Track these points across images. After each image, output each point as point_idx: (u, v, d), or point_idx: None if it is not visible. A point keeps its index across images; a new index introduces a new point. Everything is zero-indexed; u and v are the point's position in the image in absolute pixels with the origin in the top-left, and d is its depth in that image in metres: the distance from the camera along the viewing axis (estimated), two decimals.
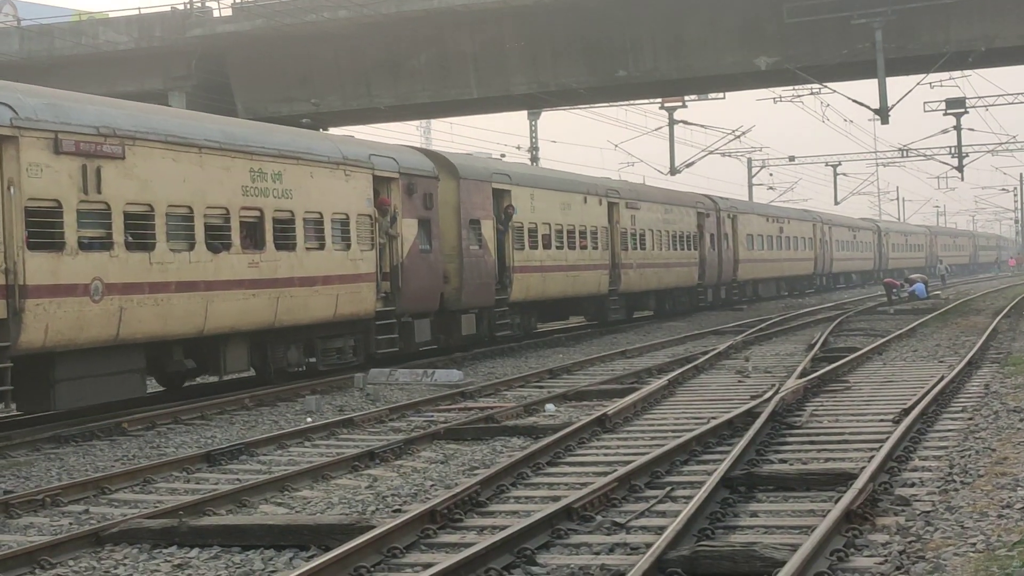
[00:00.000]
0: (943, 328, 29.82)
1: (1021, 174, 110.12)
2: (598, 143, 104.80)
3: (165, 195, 16.86)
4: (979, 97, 56.66)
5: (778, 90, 51.08)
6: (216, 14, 38.38)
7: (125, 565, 8.56)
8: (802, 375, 18.07)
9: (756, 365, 21.48)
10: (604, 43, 36.59)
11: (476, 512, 9.79)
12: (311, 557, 8.45)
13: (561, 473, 11.58)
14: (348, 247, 21.03)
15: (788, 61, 35.65)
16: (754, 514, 9.38)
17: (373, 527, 8.68)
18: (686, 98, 52.61)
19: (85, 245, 15.52)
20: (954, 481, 10.15)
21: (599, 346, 28.25)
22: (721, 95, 49.62)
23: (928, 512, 9.04)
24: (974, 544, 7.92)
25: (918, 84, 39.31)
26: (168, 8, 38.40)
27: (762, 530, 8.83)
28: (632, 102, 48.75)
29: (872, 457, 10.90)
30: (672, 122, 56.33)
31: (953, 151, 62.18)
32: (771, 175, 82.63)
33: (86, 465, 13.12)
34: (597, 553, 8.35)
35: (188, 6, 38.15)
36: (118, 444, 14.66)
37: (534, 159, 52.28)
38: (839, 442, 12.59)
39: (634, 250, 35.61)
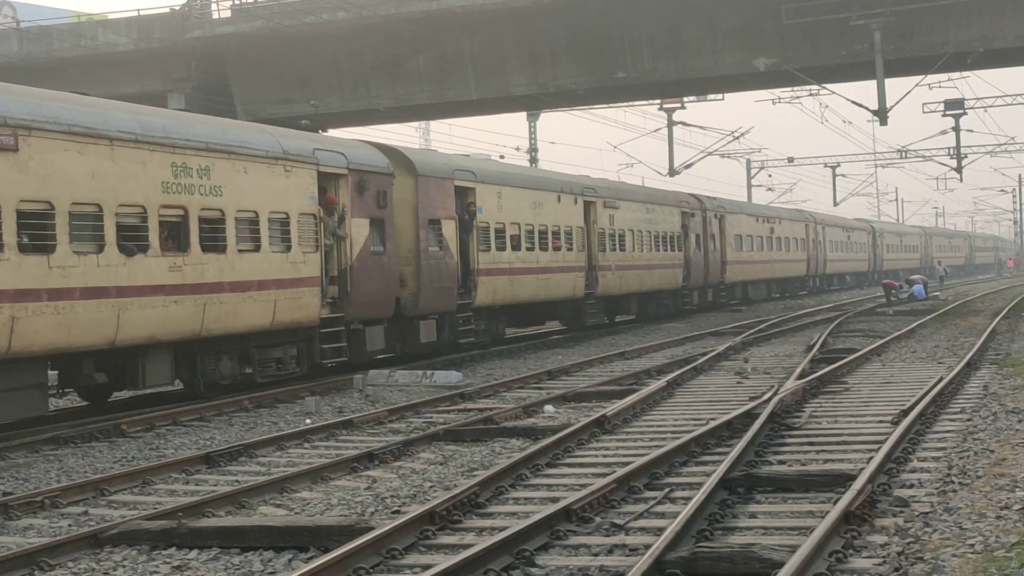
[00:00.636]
0: (942, 329, 29.83)
1: (1020, 175, 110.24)
2: (597, 144, 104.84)
3: (68, 192, 15.25)
4: (978, 98, 56.72)
5: (777, 91, 51.10)
6: (215, 15, 38.40)
7: (124, 567, 8.57)
8: (801, 376, 18.08)
9: (755, 366, 21.48)
10: (603, 44, 36.62)
11: (475, 513, 9.79)
12: (310, 558, 8.45)
13: (560, 474, 11.58)
14: (288, 249, 19.50)
15: (787, 62, 35.68)
16: (753, 515, 9.39)
17: (372, 528, 8.68)
18: (685, 99, 52.67)
19: None
20: (952, 482, 10.16)
21: (598, 347, 28.25)
22: (720, 96, 49.69)
23: (927, 513, 9.05)
24: (972, 545, 7.93)
25: (917, 85, 39.37)
26: (167, 10, 38.43)
27: (761, 531, 8.84)
28: (631, 103, 48.78)
29: (871, 458, 10.90)
30: (671, 123, 56.38)
31: (952, 152, 62.21)
32: (770, 176, 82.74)
33: (85, 467, 13.12)
34: (596, 554, 8.35)
35: (187, 8, 38.16)
36: (117, 445, 14.66)
37: (533, 160, 52.31)
38: (838, 443, 12.60)
39: (613, 251, 34.20)
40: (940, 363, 20.75)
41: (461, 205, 25.71)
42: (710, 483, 9.80)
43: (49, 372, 16.21)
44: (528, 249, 28.67)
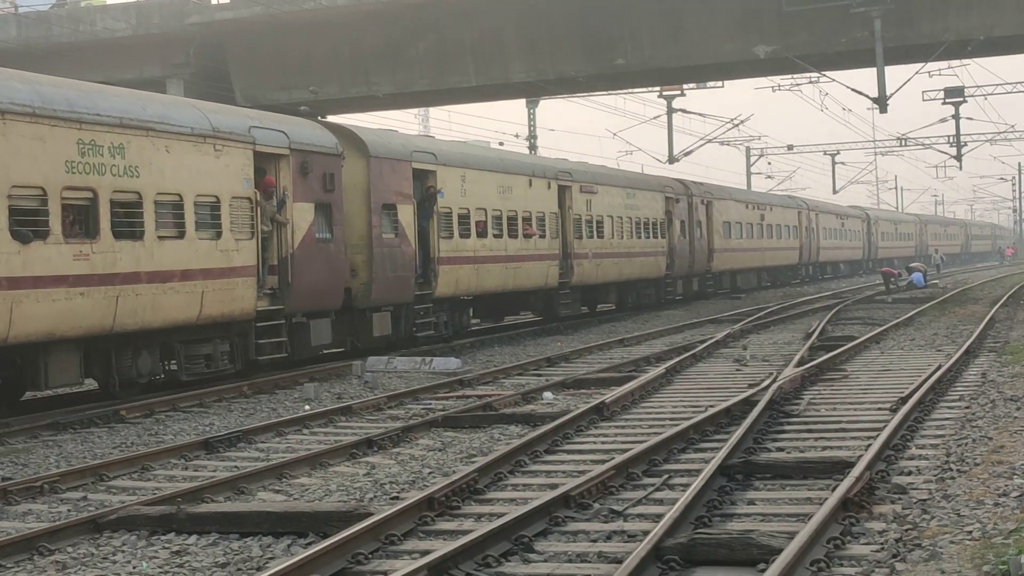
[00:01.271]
0: (941, 317, 29.85)
1: (1020, 164, 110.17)
2: (597, 132, 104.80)
3: None
4: (978, 86, 56.73)
5: (777, 79, 51.05)
6: (214, 1, 38.32)
7: (123, 551, 8.58)
8: (800, 364, 18.09)
9: (754, 354, 21.50)
10: (602, 31, 36.54)
11: (474, 500, 9.81)
12: (309, 544, 8.47)
13: (559, 461, 11.60)
14: (218, 236, 17.89)
15: (787, 50, 35.60)
16: (751, 502, 9.40)
17: (371, 514, 8.70)
18: (684, 86, 52.59)
19: None
20: (951, 469, 10.17)
21: (597, 334, 28.25)
22: (720, 84, 49.62)
23: (925, 500, 9.06)
24: (970, 532, 7.94)
25: (917, 73, 39.32)
26: None
27: (759, 518, 8.85)
28: (630, 90, 48.71)
29: (869, 445, 10.92)
30: (671, 111, 56.33)
31: (952, 140, 62.18)
32: (769, 164, 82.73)
33: (84, 452, 13.14)
34: (594, 541, 8.37)
35: None
36: (116, 431, 14.67)
37: (532, 147, 52.25)
38: (836, 430, 12.61)
39: (589, 238, 32.60)
40: (939, 351, 20.77)
41: (420, 189, 24.31)
42: (709, 470, 9.81)
43: None
44: (495, 236, 27.20)
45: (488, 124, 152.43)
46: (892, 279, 45.36)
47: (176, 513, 9.22)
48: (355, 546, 8.02)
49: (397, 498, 9.97)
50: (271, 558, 8.28)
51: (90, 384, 18.04)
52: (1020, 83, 56.54)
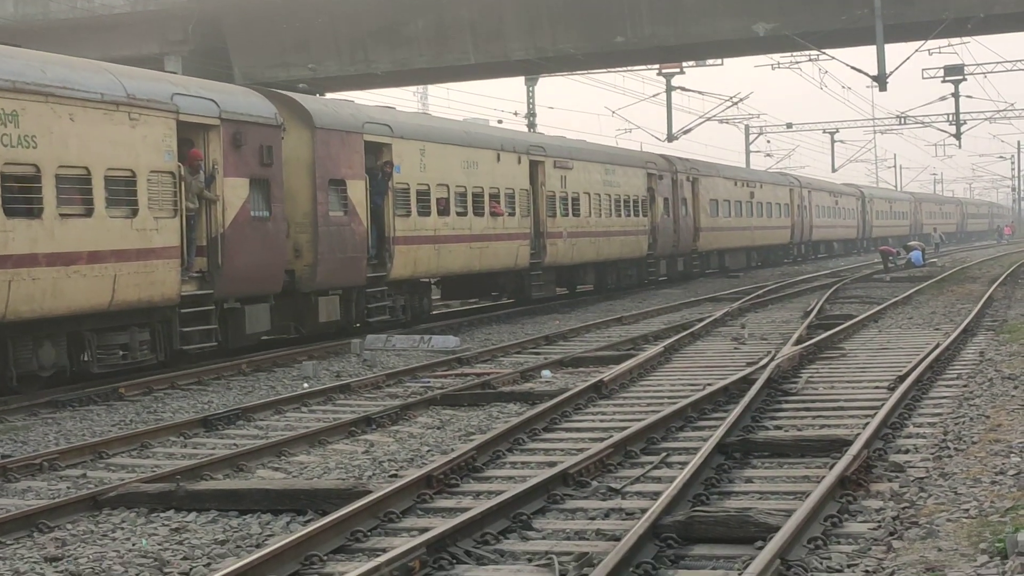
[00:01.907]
0: (939, 296, 29.87)
1: (1019, 142, 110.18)
2: (596, 109, 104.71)
3: None
4: (977, 64, 56.64)
5: (776, 57, 50.95)
6: None
7: (123, 529, 8.61)
8: (798, 342, 18.11)
9: (752, 332, 21.52)
10: (602, 9, 36.41)
11: (472, 477, 9.83)
12: (308, 521, 8.49)
13: (557, 439, 11.62)
14: (134, 213, 16.20)
15: (786, 27, 35.49)
16: (749, 480, 9.43)
17: (370, 492, 8.72)
18: (684, 64, 52.48)
19: None
20: (948, 448, 10.20)
21: (595, 313, 28.27)
22: (719, 61, 49.50)
23: (922, 478, 9.09)
24: (967, 510, 7.97)
25: (916, 51, 39.20)
26: None
27: (757, 496, 8.88)
28: (630, 68, 48.61)
29: (867, 424, 10.95)
30: (670, 88, 56.25)
31: (951, 118, 62.17)
32: (768, 142, 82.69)
33: (83, 430, 13.16)
34: (593, 518, 8.40)
35: None
36: (115, 409, 14.69)
37: (531, 125, 52.16)
38: (834, 409, 12.64)
39: (564, 216, 30.91)
40: (937, 329, 20.79)
41: (374, 163, 22.64)
42: (706, 448, 9.83)
43: None
44: (459, 214, 25.54)
45: (487, 102, 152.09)
46: (890, 258, 45.37)
47: (175, 490, 9.24)
48: (354, 523, 8.04)
49: (396, 476, 10.00)
50: (270, 535, 8.31)
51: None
52: (1020, 61, 56.45)
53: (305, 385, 16.31)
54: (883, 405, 11.87)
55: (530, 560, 7.38)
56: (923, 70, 55.28)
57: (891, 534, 7.57)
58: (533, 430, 11.77)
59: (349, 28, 38.08)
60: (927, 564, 6.79)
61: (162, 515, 8.95)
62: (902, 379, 13.61)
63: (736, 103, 61.24)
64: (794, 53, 47.13)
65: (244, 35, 38.67)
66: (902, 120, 73.51)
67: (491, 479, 9.83)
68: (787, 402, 13.14)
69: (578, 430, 12.08)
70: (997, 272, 39.91)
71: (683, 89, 57.38)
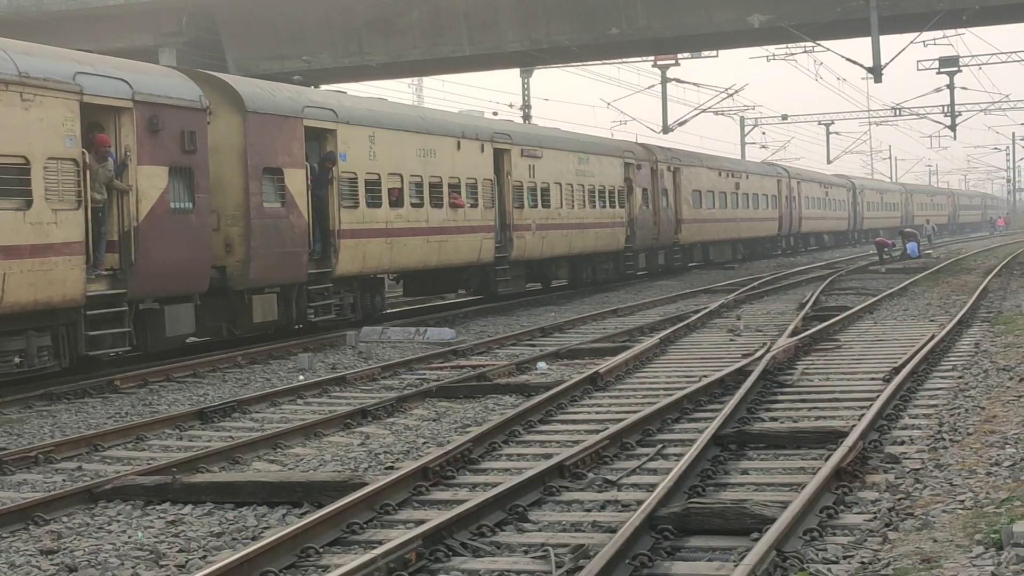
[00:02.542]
0: (934, 287, 29.89)
1: (1013, 133, 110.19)
2: (591, 101, 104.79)
3: None
4: (972, 56, 56.63)
5: (771, 48, 50.92)
6: None
7: (119, 521, 8.60)
8: (793, 334, 18.12)
9: (747, 324, 21.53)
10: (596, 0, 36.40)
11: (468, 469, 9.83)
12: (304, 514, 8.49)
13: (553, 431, 11.63)
14: (28, 205, 14.57)
15: (781, 19, 35.50)
16: (745, 472, 9.44)
17: (366, 484, 8.72)
18: (679, 56, 52.39)
19: None
20: (943, 439, 10.21)
21: (591, 304, 28.27)
22: (714, 53, 49.43)
23: (917, 470, 9.10)
24: (963, 501, 7.98)
25: (912, 43, 39.26)
26: None
27: (753, 487, 8.88)
28: (625, 60, 48.56)
29: (863, 415, 10.95)
30: (665, 80, 56.18)
31: (946, 110, 62.21)
32: (764, 134, 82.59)
33: (79, 422, 13.15)
34: (589, 510, 8.40)
35: None
36: (110, 402, 14.68)
37: (526, 117, 52.11)
38: (830, 400, 12.65)
39: (533, 208, 29.23)
40: (932, 321, 20.81)
41: (317, 151, 21.19)
42: (702, 440, 9.84)
43: None
44: (414, 205, 23.87)
45: (482, 94, 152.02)
46: (885, 249, 45.41)
47: (171, 483, 9.23)
48: (350, 516, 8.04)
49: (392, 468, 9.99)
50: (266, 528, 8.30)
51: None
52: (1015, 53, 56.47)
53: (301, 377, 16.30)
54: (878, 396, 11.88)
55: (526, 552, 7.38)
56: (918, 62, 55.28)
57: (887, 525, 7.58)
58: (529, 422, 11.77)
59: (343, 20, 38.03)
60: (923, 555, 6.80)
61: (158, 508, 8.94)
62: (897, 370, 13.63)
63: (731, 95, 61.18)
64: (789, 45, 47.11)
65: (238, 27, 38.62)
66: (897, 112, 73.53)
67: (487, 471, 9.83)
68: (783, 394, 13.15)
69: (574, 422, 12.08)
70: (992, 263, 39.95)
71: (678, 81, 57.34)
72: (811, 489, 7.98)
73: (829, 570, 6.68)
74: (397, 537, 7.27)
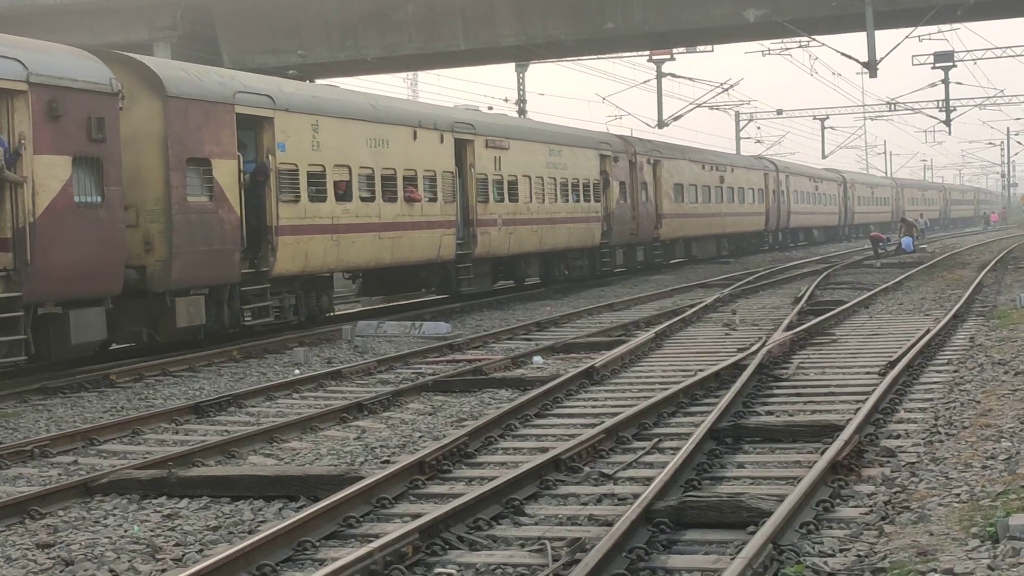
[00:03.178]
0: (929, 281, 29.92)
1: (1008, 128, 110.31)
2: (586, 96, 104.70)
3: None
4: (967, 51, 56.72)
5: (767, 43, 50.93)
6: None
7: (115, 515, 8.60)
8: (789, 328, 18.13)
9: (743, 318, 21.54)
10: None
11: (464, 463, 9.84)
12: (300, 508, 8.49)
13: (549, 425, 11.63)
14: None
15: (777, 14, 35.46)
16: (741, 465, 9.45)
17: (362, 478, 8.72)
18: (674, 51, 52.42)
19: None
20: (939, 433, 10.23)
21: (587, 299, 28.28)
22: (709, 48, 49.43)
23: (913, 463, 9.11)
24: (958, 495, 7.99)
25: (907, 37, 39.23)
26: None
27: (749, 481, 8.89)
28: (620, 55, 48.55)
29: (858, 409, 10.97)
30: (660, 75, 56.20)
31: (941, 105, 62.22)
32: (759, 128, 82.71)
33: (74, 416, 13.14)
34: (585, 504, 8.40)
35: None
36: (106, 396, 14.67)
37: (522, 112, 52.10)
38: (825, 394, 12.66)
39: (499, 202, 27.70)
40: (927, 315, 20.83)
41: (253, 140, 19.73)
42: (698, 434, 9.85)
43: None
44: (365, 200, 22.27)
45: (478, 89, 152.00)
46: (880, 244, 45.47)
47: (167, 477, 9.23)
48: (346, 510, 8.04)
49: (388, 462, 10.00)
50: (263, 521, 8.31)
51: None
52: (1010, 48, 56.52)
53: (296, 371, 16.29)
54: (874, 390, 11.89)
55: (523, 545, 7.39)
56: (913, 56, 55.29)
57: (883, 519, 7.59)
58: (525, 416, 11.77)
59: (339, 14, 37.99)
60: (919, 548, 6.81)
61: (154, 501, 8.94)
62: (893, 365, 13.64)
63: (726, 89, 61.28)
64: (784, 40, 47.10)
65: (233, 21, 38.55)
66: (892, 107, 73.57)
67: (483, 465, 9.84)
68: (778, 388, 13.16)
69: (570, 416, 12.09)
70: (987, 258, 40.00)
71: (673, 75, 57.36)
72: (807, 483, 7.99)
73: (825, 563, 6.69)
74: (394, 531, 7.27)
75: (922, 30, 44.26)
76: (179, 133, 17.68)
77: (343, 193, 21.62)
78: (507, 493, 8.32)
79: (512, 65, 50.45)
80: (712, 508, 7.64)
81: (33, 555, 7.61)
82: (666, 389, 12.65)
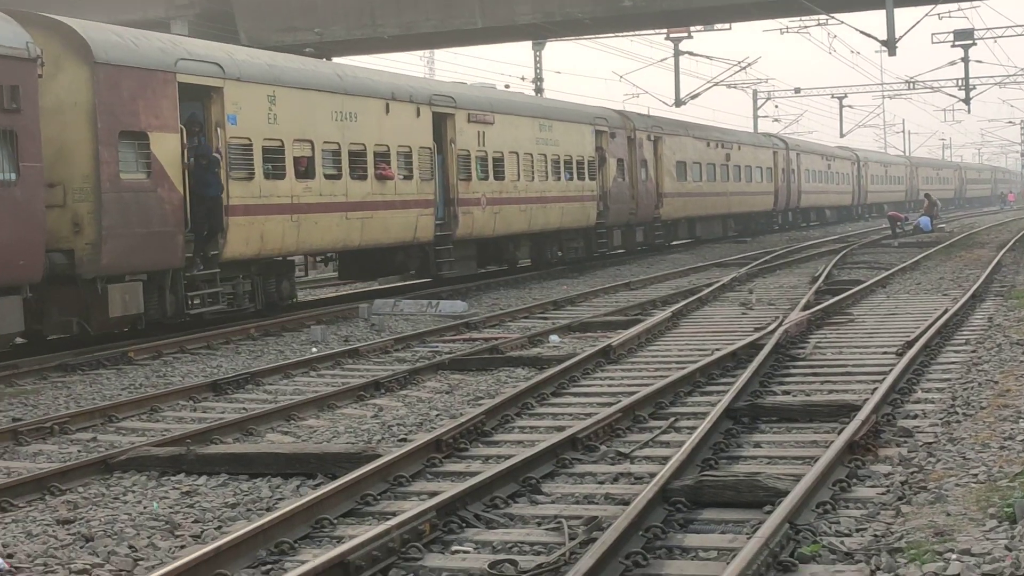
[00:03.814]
0: (947, 261, 29.81)
1: None
2: (603, 74, 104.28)
3: None
4: (987, 28, 56.15)
5: (785, 21, 50.64)
6: None
7: (134, 491, 8.65)
8: (806, 307, 18.09)
9: (760, 297, 21.51)
10: None
11: (481, 442, 9.86)
12: (318, 485, 8.52)
13: (565, 404, 11.64)
14: None
15: None
16: (757, 445, 9.45)
17: (379, 456, 8.75)
18: (692, 29, 52.16)
19: None
20: (956, 413, 10.21)
21: (603, 278, 28.26)
22: (727, 26, 49.18)
23: (930, 443, 9.10)
24: (976, 475, 7.98)
25: (926, 15, 39.02)
26: None
27: (765, 460, 8.89)
28: (638, 33, 48.35)
29: (875, 389, 10.95)
30: (677, 53, 55.95)
31: (960, 83, 61.84)
32: (777, 107, 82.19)
33: (93, 393, 13.21)
34: (601, 482, 8.42)
35: None
36: (124, 373, 14.74)
37: (538, 90, 51.96)
38: (842, 374, 12.64)
39: (483, 180, 26.14)
40: (945, 295, 20.76)
41: (201, 112, 18.24)
42: (715, 413, 9.85)
43: None
44: (330, 177, 20.77)
45: (494, 67, 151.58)
46: (898, 223, 45.30)
47: (185, 454, 9.28)
48: (364, 487, 8.08)
49: (405, 440, 10.03)
50: (280, 498, 8.34)
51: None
52: None
53: (313, 349, 16.34)
54: (891, 370, 11.87)
55: (539, 524, 7.41)
56: (932, 35, 54.85)
57: (900, 499, 7.59)
58: (541, 395, 11.79)
59: None
60: (936, 528, 6.81)
61: (172, 478, 8.99)
62: (910, 344, 13.60)
63: (744, 68, 60.93)
64: (803, 17, 46.89)
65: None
66: (911, 85, 73.13)
67: (500, 443, 9.86)
68: (795, 367, 13.14)
69: (587, 395, 12.10)
70: (1005, 238, 39.81)
71: (691, 54, 57.09)
72: (824, 462, 7.99)
73: (842, 543, 6.69)
74: (411, 509, 7.30)
75: (942, 8, 44.01)
76: (110, 104, 16.16)
77: (304, 170, 20.14)
78: (524, 472, 8.34)
79: (529, 43, 50.34)
80: (729, 487, 7.65)
81: (53, 531, 7.66)
82: (683, 368, 12.65)
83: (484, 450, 9.58)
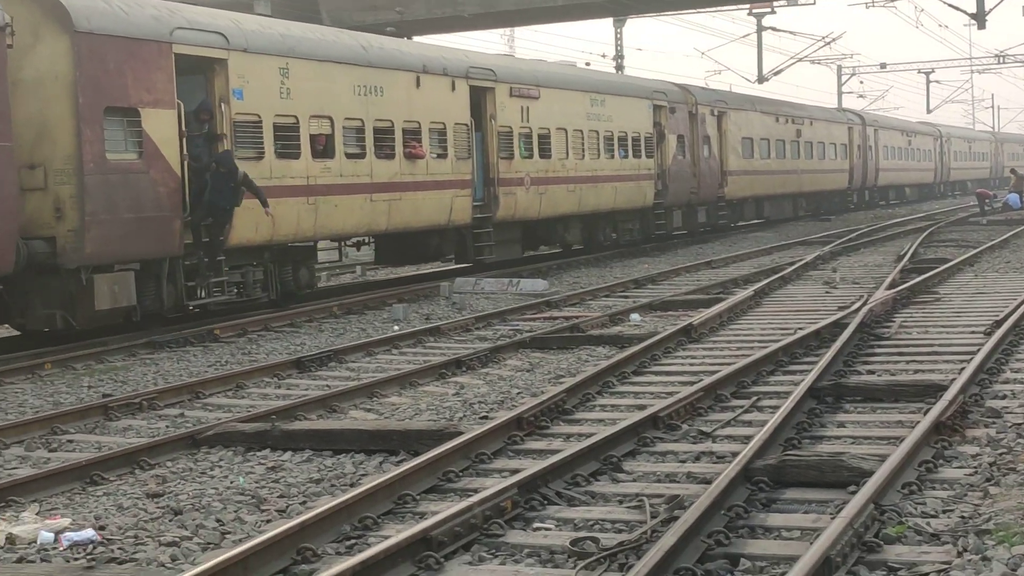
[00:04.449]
0: None
1: None
2: (685, 51, 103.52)
3: None
4: None
5: None
6: None
7: (220, 466, 8.80)
8: (891, 286, 17.85)
9: (843, 276, 21.27)
10: None
11: (562, 420, 9.88)
12: (400, 461, 8.60)
13: (647, 382, 11.62)
14: None
15: None
16: (841, 424, 9.36)
17: (461, 433, 8.80)
18: (775, 3, 51.50)
19: None
20: None
21: (684, 256, 28.11)
22: (811, 0, 48.50)
23: (1019, 424, 8.94)
24: None
25: None
26: None
27: (849, 440, 8.80)
28: (720, 8, 47.85)
29: (963, 369, 10.78)
30: (760, 28, 55.35)
31: None
32: (862, 83, 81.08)
33: (180, 370, 13.44)
34: (683, 461, 8.40)
35: None
36: (211, 350, 14.97)
37: (619, 68, 51.69)
38: (928, 353, 12.46)
39: (527, 159, 24.60)
40: None
41: (202, 87, 16.95)
42: (798, 392, 9.76)
43: None
44: (352, 156, 19.34)
45: (575, 44, 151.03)
46: (987, 200, 44.48)
47: (271, 430, 9.41)
48: (446, 464, 8.13)
49: (486, 418, 10.07)
50: (364, 475, 8.43)
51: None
52: None
53: (395, 327, 16.46)
54: (979, 350, 11.67)
55: (621, 502, 7.41)
56: None
57: (987, 480, 7.48)
58: (622, 373, 11.77)
59: None
60: None
61: (258, 454, 9.12)
62: (999, 324, 13.36)
63: (829, 43, 60.11)
64: None
65: None
66: (1001, 59, 71.62)
67: (581, 422, 9.87)
68: (880, 346, 12.98)
69: (667, 373, 12.06)
70: None
71: (774, 29, 56.45)
72: (910, 443, 7.89)
73: (928, 524, 6.61)
74: (493, 486, 7.34)
75: None
76: (94, 77, 14.76)
77: (323, 148, 18.75)
78: (605, 450, 8.35)
79: (610, 20, 50.09)
80: (812, 467, 7.58)
81: (143, 504, 7.82)
82: (765, 347, 12.55)
83: (565, 428, 9.60)
